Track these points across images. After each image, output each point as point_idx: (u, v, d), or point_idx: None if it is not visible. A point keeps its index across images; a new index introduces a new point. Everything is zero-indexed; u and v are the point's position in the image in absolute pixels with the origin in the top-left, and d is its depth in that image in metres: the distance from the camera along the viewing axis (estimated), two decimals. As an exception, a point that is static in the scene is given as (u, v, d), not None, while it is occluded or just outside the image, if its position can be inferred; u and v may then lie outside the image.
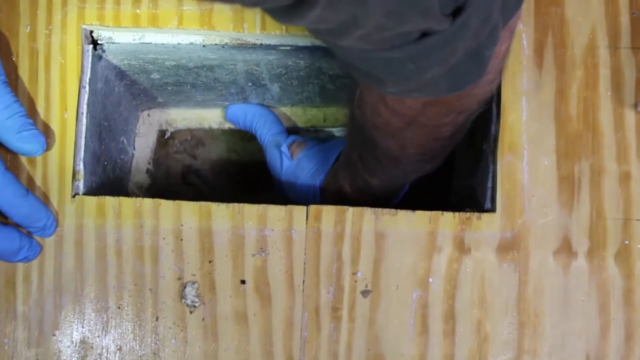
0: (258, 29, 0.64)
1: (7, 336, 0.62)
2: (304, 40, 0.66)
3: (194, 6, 0.64)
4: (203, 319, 0.62)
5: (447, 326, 0.61)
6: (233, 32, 0.65)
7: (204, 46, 0.67)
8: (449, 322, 0.61)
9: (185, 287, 0.62)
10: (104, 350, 0.62)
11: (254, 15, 0.64)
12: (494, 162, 0.63)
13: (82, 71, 0.65)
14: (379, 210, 0.62)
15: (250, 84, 0.80)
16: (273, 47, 0.67)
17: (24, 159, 0.63)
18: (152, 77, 0.77)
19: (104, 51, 0.68)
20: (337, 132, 0.90)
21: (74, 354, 0.62)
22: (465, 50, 0.45)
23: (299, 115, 0.90)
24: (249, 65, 0.74)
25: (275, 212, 0.62)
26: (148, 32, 0.66)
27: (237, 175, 0.94)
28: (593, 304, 0.61)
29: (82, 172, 0.64)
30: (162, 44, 0.67)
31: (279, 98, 0.86)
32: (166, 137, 0.91)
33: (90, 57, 0.66)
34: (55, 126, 0.64)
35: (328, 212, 0.62)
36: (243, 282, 0.62)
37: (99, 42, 0.66)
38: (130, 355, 0.62)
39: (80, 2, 0.64)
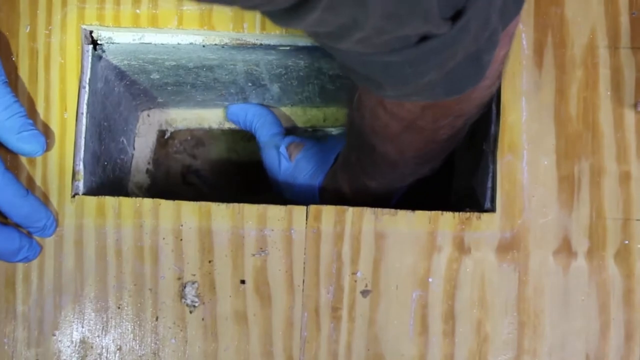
0: (258, 29, 0.64)
1: (7, 336, 0.62)
2: (304, 40, 0.66)
3: (194, 6, 0.64)
4: (203, 319, 0.62)
5: (447, 326, 0.61)
6: (233, 32, 0.65)
7: (203, 46, 0.67)
8: (449, 322, 0.61)
9: (185, 287, 0.62)
10: (103, 350, 0.62)
11: (254, 15, 0.64)
12: (494, 162, 0.63)
13: (82, 71, 0.65)
14: (379, 210, 0.62)
15: (250, 84, 0.80)
16: (273, 47, 0.67)
17: (24, 159, 0.63)
18: (152, 77, 0.77)
19: (103, 51, 0.68)
20: (336, 131, 0.90)
21: (73, 354, 0.62)
22: (465, 55, 0.45)
23: (299, 115, 0.90)
24: (248, 66, 0.74)
25: (275, 212, 0.62)
26: (148, 32, 0.66)
27: (237, 175, 0.94)
28: (593, 304, 0.61)
29: (82, 172, 0.64)
30: (162, 44, 0.67)
31: (279, 98, 0.86)
32: (166, 137, 0.91)
33: (90, 57, 0.66)
34: (55, 126, 0.64)
35: (328, 212, 0.62)
36: (243, 282, 0.62)
37: (98, 42, 0.66)
38: (130, 355, 0.62)
39: (80, 2, 0.64)
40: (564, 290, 0.61)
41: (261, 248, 0.62)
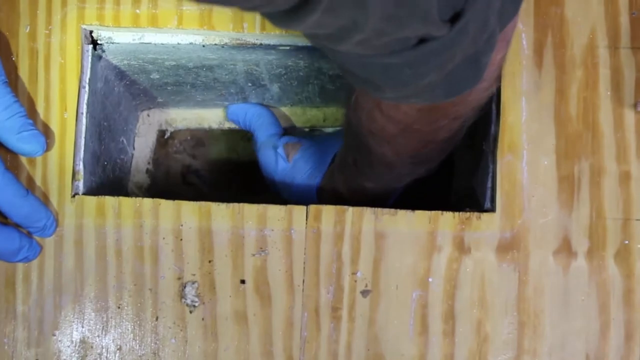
0: (258, 29, 0.64)
1: (7, 336, 0.62)
2: (304, 40, 0.66)
3: (194, 6, 0.64)
4: (203, 319, 0.62)
5: (447, 326, 0.61)
6: (233, 32, 0.65)
7: (203, 46, 0.67)
8: (449, 322, 0.61)
9: (185, 287, 0.62)
10: (103, 350, 0.62)
11: (254, 15, 0.64)
12: (494, 162, 0.63)
13: (81, 71, 0.65)
14: (379, 210, 0.62)
15: (250, 84, 0.80)
16: (273, 47, 0.67)
17: (24, 159, 0.63)
18: (151, 77, 0.77)
19: (103, 51, 0.68)
20: (332, 130, 0.90)
21: (73, 354, 0.62)
22: (463, 56, 0.45)
23: (298, 115, 0.90)
24: (248, 65, 0.74)
25: (275, 212, 0.62)
26: (148, 32, 0.66)
27: (237, 175, 0.94)
28: (593, 304, 0.61)
29: (81, 172, 0.64)
30: (162, 44, 0.67)
31: (279, 98, 0.86)
32: (166, 137, 0.91)
33: (90, 57, 0.66)
34: (55, 126, 0.64)
35: (328, 212, 0.62)
36: (243, 282, 0.62)
37: (98, 42, 0.66)
38: (130, 355, 0.62)
39: (80, 2, 0.64)
40: (564, 290, 0.61)
41: (261, 248, 0.62)
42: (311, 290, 0.62)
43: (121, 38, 0.66)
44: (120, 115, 0.79)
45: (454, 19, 0.42)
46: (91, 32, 0.66)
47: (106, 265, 0.62)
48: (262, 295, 0.62)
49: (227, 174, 0.94)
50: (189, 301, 0.62)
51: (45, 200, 0.63)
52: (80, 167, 0.64)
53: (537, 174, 0.62)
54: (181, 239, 0.62)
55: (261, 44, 0.67)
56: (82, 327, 0.62)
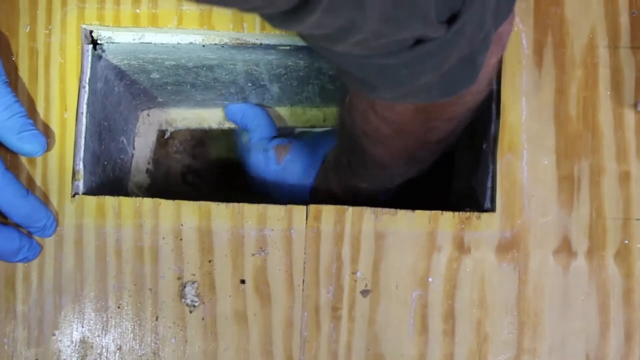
0: (257, 29, 0.64)
1: (7, 336, 0.62)
2: (303, 40, 0.66)
3: (194, 6, 0.64)
4: (203, 319, 0.62)
5: (446, 326, 0.61)
6: (232, 32, 0.65)
7: (203, 46, 0.67)
8: (449, 322, 0.61)
9: (185, 287, 0.62)
10: (103, 349, 0.62)
11: (254, 15, 0.64)
12: (494, 162, 0.63)
13: (81, 71, 0.65)
14: (379, 210, 0.62)
15: (249, 84, 0.80)
16: (272, 47, 0.67)
17: (24, 159, 0.63)
18: (151, 76, 0.77)
19: (103, 51, 0.68)
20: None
21: (73, 354, 0.62)
22: (459, 56, 0.45)
23: (298, 115, 0.90)
24: (248, 65, 0.74)
25: (274, 212, 0.62)
26: (148, 32, 0.66)
27: (237, 175, 0.94)
28: (593, 304, 0.61)
29: (81, 172, 0.64)
30: (162, 43, 0.67)
31: (279, 98, 0.86)
32: (166, 137, 0.91)
33: (90, 57, 0.66)
34: (55, 126, 0.64)
35: (328, 212, 0.62)
36: (243, 281, 0.62)
37: (98, 42, 0.66)
38: (130, 354, 0.62)
39: (80, 2, 0.64)
40: (564, 290, 0.61)
41: (261, 248, 0.62)
42: (311, 290, 0.62)
43: (121, 38, 0.66)
44: (120, 115, 0.79)
45: (451, 20, 0.42)
46: (91, 32, 0.66)
47: (106, 265, 0.62)
48: (262, 295, 0.62)
49: (227, 174, 0.94)
50: (189, 301, 0.62)
51: (45, 200, 0.63)
52: (80, 167, 0.64)
53: (537, 173, 0.62)
54: (181, 239, 0.62)
55: (261, 44, 0.67)
56: (82, 327, 0.62)
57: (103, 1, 0.64)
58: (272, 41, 0.66)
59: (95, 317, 0.62)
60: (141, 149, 0.89)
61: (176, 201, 0.62)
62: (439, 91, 0.48)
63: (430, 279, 0.61)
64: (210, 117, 0.91)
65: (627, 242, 0.61)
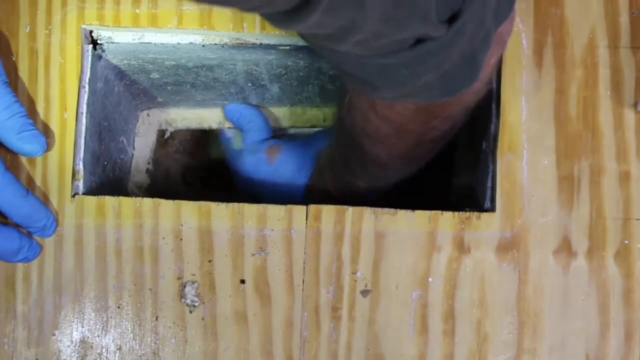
0: (257, 29, 0.64)
1: (7, 336, 0.62)
2: (304, 40, 0.66)
3: (194, 6, 0.64)
4: (203, 319, 0.62)
5: (446, 326, 0.61)
6: (232, 32, 0.65)
7: (203, 46, 0.67)
8: (449, 322, 0.61)
9: (185, 287, 0.62)
10: (103, 349, 0.62)
11: (254, 15, 0.64)
12: (494, 162, 0.63)
13: (81, 71, 0.65)
14: (379, 210, 0.62)
15: (249, 84, 0.80)
16: (272, 47, 0.67)
17: (24, 159, 0.63)
18: (151, 76, 0.77)
19: (103, 51, 0.68)
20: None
21: (73, 354, 0.62)
22: (460, 56, 0.45)
23: (298, 115, 0.90)
24: (248, 65, 0.74)
25: (274, 212, 0.62)
26: (147, 32, 0.66)
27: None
28: (593, 304, 0.61)
29: (81, 172, 0.64)
30: (162, 43, 0.67)
31: (279, 98, 0.86)
32: (166, 137, 0.91)
33: (89, 57, 0.66)
34: (55, 126, 0.64)
35: (328, 212, 0.62)
36: (243, 281, 0.62)
37: (98, 42, 0.66)
38: (130, 354, 0.62)
39: (80, 2, 0.64)
40: (564, 290, 0.61)
41: (261, 248, 0.62)
42: (311, 290, 0.62)
43: (121, 38, 0.66)
44: (120, 115, 0.79)
45: (452, 19, 0.42)
46: (91, 32, 0.66)
47: (106, 265, 0.62)
48: (262, 295, 0.62)
49: (227, 173, 0.94)
50: (188, 301, 0.62)
51: (45, 200, 0.63)
52: (80, 167, 0.64)
53: (537, 173, 0.62)
54: (181, 239, 0.62)
55: (261, 44, 0.67)
56: (82, 327, 0.62)
57: (103, 1, 0.64)
58: (272, 41, 0.66)
59: (95, 317, 0.62)
60: (141, 149, 0.89)
61: (176, 201, 0.62)
62: (439, 91, 0.49)
63: (430, 279, 0.61)
64: (210, 117, 0.91)
65: (627, 242, 0.61)
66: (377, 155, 0.61)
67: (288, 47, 0.68)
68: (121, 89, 0.78)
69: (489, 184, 0.63)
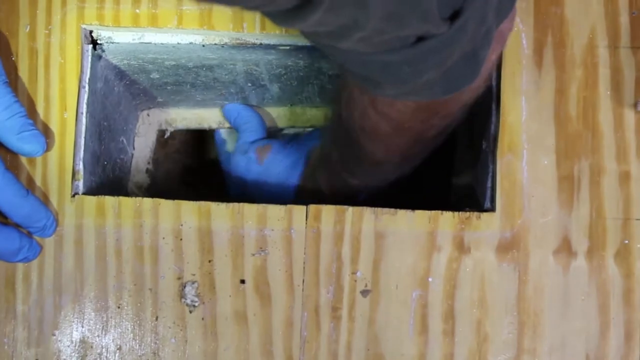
0: (257, 29, 0.64)
1: (7, 336, 0.62)
2: (303, 40, 0.66)
3: (194, 6, 0.64)
4: (203, 319, 0.62)
5: (446, 326, 0.61)
6: (232, 32, 0.65)
7: (203, 46, 0.67)
8: (449, 322, 0.61)
9: (185, 287, 0.62)
10: (103, 349, 0.62)
11: (254, 15, 0.64)
12: (494, 162, 0.63)
13: (81, 71, 0.65)
14: (379, 210, 0.62)
15: (249, 84, 0.80)
16: (272, 47, 0.67)
17: (23, 159, 0.63)
18: (151, 76, 0.77)
19: (103, 51, 0.68)
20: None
21: (73, 354, 0.62)
22: (462, 53, 0.45)
23: (298, 115, 0.90)
24: (248, 65, 0.74)
25: (274, 212, 0.62)
26: (147, 32, 0.66)
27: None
28: (593, 304, 0.61)
29: (81, 172, 0.64)
30: (162, 43, 0.67)
31: (279, 98, 0.86)
32: (166, 136, 0.91)
33: (89, 57, 0.66)
34: (54, 126, 0.64)
35: (328, 212, 0.62)
36: (243, 281, 0.62)
37: (98, 42, 0.66)
38: (130, 354, 0.62)
39: (80, 2, 0.64)
40: (564, 290, 0.61)
41: (261, 248, 0.62)
42: (311, 290, 0.62)
43: (121, 38, 0.66)
44: (120, 115, 0.79)
45: (453, 16, 0.42)
46: (91, 32, 0.66)
47: (106, 265, 0.62)
48: (262, 295, 0.62)
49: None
50: (188, 301, 0.62)
51: (45, 200, 0.63)
52: (80, 167, 0.64)
53: (537, 173, 0.62)
54: (181, 239, 0.62)
55: (261, 44, 0.67)
56: (82, 327, 0.62)
57: (103, 1, 0.64)
58: (272, 41, 0.66)
59: (95, 317, 0.62)
60: (141, 149, 0.89)
61: (176, 201, 0.62)
62: (441, 88, 0.49)
63: (430, 279, 0.61)
64: (210, 117, 0.91)
65: (627, 242, 0.61)
66: (374, 152, 0.61)
67: (288, 47, 0.68)
68: (121, 89, 0.78)
69: (489, 184, 0.63)
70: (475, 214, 0.62)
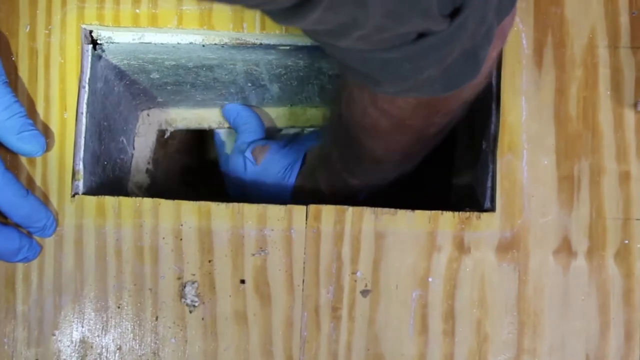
0: (257, 29, 0.64)
1: (7, 336, 0.62)
2: (303, 40, 0.66)
3: (194, 6, 0.64)
4: (203, 319, 0.62)
5: (446, 326, 0.61)
6: (232, 32, 0.65)
7: (203, 46, 0.67)
8: (449, 322, 0.61)
9: (185, 287, 0.62)
10: (103, 349, 0.62)
11: (254, 15, 0.64)
12: (494, 162, 0.63)
13: (81, 71, 0.65)
14: (379, 210, 0.62)
15: (249, 84, 0.80)
16: (272, 47, 0.67)
17: (23, 159, 0.63)
18: (151, 76, 0.77)
19: (103, 51, 0.68)
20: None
21: (73, 354, 0.62)
22: (461, 51, 0.46)
23: (298, 115, 0.90)
24: (248, 65, 0.74)
25: (274, 212, 0.62)
26: (147, 32, 0.66)
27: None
28: (593, 304, 0.61)
29: (81, 172, 0.64)
30: (162, 43, 0.67)
31: (279, 98, 0.86)
32: (166, 136, 0.91)
33: (89, 57, 0.66)
34: (54, 126, 0.64)
35: (328, 212, 0.62)
36: (243, 281, 0.62)
37: (98, 41, 0.66)
38: (130, 354, 0.62)
39: (80, 2, 0.64)
40: (564, 290, 0.61)
41: (261, 248, 0.62)
42: (311, 290, 0.62)
43: (121, 38, 0.66)
44: (120, 115, 0.79)
45: (454, 14, 0.42)
46: (91, 31, 0.66)
47: (106, 265, 0.62)
48: (262, 295, 0.62)
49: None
50: (188, 301, 0.62)
51: (45, 200, 0.63)
52: (80, 167, 0.64)
53: (537, 173, 0.62)
54: (181, 239, 0.62)
55: (261, 44, 0.67)
56: (82, 327, 0.62)
57: (103, 1, 0.64)
58: (272, 41, 0.66)
59: (95, 317, 0.62)
60: (141, 149, 0.89)
61: (176, 201, 0.62)
62: (442, 85, 0.49)
63: (430, 279, 0.61)
64: (210, 117, 0.91)
65: (627, 242, 0.61)
66: (375, 150, 0.61)
67: (288, 47, 0.68)
68: (121, 89, 0.78)
69: (489, 184, 0.63)
70: (475, 214, 0.62)
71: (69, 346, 0.62)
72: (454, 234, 0.61)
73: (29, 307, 0.62)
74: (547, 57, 0.63)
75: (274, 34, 0.65)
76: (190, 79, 0.78)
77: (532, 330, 0.61)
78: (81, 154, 0.64)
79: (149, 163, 0.90)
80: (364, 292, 0.61)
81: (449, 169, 0.82)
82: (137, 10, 0.64)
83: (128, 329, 0.62)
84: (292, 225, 0.62)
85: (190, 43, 0.67)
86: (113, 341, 0.62)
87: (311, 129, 0.88)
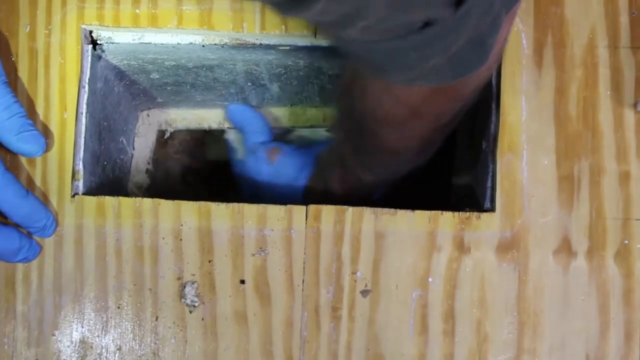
0: (257, 29, 0.64)
1: (7, 336, 0.62)
2: (303, 40, 0.66)
3: (194, 6, 0.64)
4: (203, 319, 0.62)
5: (446, 326, 0.61)
6: (232, 32, 0.65)
7: (203, 46, 0.67)
8: (449, 322, 0.61)
9: (184, 287, 0.62)
10: (103, 350, 0.62)
11: (254, 15, 0.64)
12: (494, 162, 0.63)
13: (81, 71, 0.65)
14: (379, 210, 0.62)
15: (249, 84, 0.80)
16: (272, 47, 0.67)
17: (23, 159, 0.63)
18: (151, 77, 0.77)
19: (103, 51, 0.68)
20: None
21: (73, 354, 0.62)
22: (467, 39, 0.46)
23: (298, 115, 0.90)
24: (248, 65, 0.74)
25: (274, 212, 0.62)
26: (147, 32, 0.66)
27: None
28: (593, 304, 0.61)
29: (81, 172, 0.64)
30: (162, 43, 0.67)
31: (279, 98, 0.86)
32: (166, 137, 0.91)
33: (89, 57, 0.66)
34: (54, 126, 0.64)
35: (328, 212, 0.62)
36: (243, 281, 0.62)
37: (98, 42, 0.66)
38: (130, 355, 0.62)
39: (80, 2, 0.64)
40: (564, 290, 0.61)
41: (261, 248, 0.62)
42: (311, 290, 0.62)
43: (121, 38, 0.66)
44: (120, 115, 0.79)
45: (458, 2, 0.42)
46: (91, 32, 0.66)
47: (106, 265, 0.62)
48: (262, 295, 0.62)
49: (227, 174, 0.94)
50: (188, 301, 0.62)
51: (45, 200, 0.63)
52: (80, 167, 0.64)
53: (537, 173, 0.62)
54: (181, 239, 0.62)
55: (261, 44, 0.67)
56: (82, 327, 0.62)
57: (103, 1, 0.64)
58: (272, 41, 0.66)
59: (95, 317, 0.62)
60: (141, 149, 0.89)
61: (176, 201, 0.62)
62: (449, 73, 0.49)
63: (430, 279, 0.61)
64: (210, 117, 0.91)
65: (627, 242, 0.61)
66: (388, 140, 0.61)
67: (288, 47, 0.68)
68: (121, 89, 0.78)
69: (489, 184, 0.63)
70: (475, 214, 0.62)
71: (68, 346, 0.62)
72: (454, 234, 0.61)
73: (29, 307, 0.62)
74: (547, 57, 0.63)
75: (274, 34, 0.65)
76: (190, 79, 0.78)
77: (532, 330, 0.61)
78: (81, 154, 0.64)
79: (148, 163, 0.90)
80: (364, 292, 0.61)
81: (449, 169, 0.82)
82: (137, 11, 0.64)
83: (128, 329, 0.62)
84: (292, 225, 0.62)
85: (190, 43, 0.67)
86: (113, 341, 0.62)
87: (320, 135, 0.88)
